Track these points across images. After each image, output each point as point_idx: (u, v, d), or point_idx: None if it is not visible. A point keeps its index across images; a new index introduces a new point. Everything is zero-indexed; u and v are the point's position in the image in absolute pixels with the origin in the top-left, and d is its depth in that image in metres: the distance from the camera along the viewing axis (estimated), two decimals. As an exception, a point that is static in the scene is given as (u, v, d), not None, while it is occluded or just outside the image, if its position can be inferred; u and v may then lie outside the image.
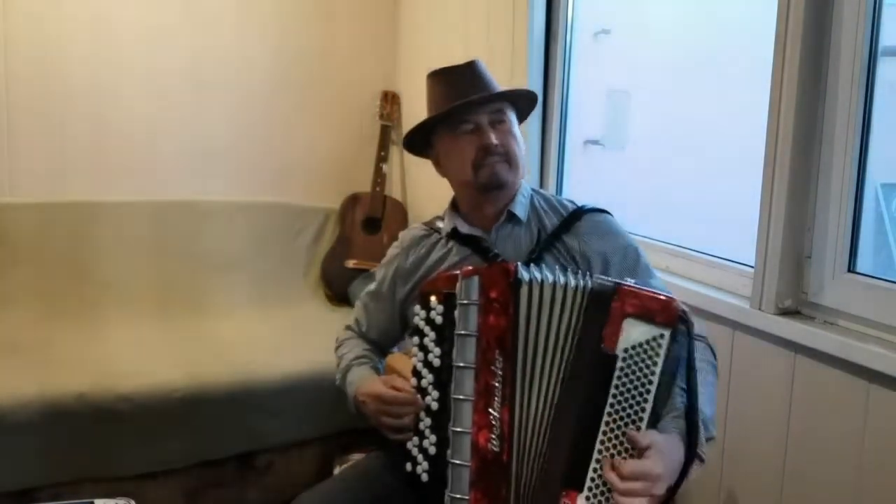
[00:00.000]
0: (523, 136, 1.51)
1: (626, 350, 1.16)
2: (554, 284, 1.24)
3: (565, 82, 2.37)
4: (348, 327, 1.69)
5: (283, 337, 2.49)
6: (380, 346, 1.65)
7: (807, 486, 1.51)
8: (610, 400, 1.15)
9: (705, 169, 2.07)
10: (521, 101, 1.54)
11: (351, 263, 2.88)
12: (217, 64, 2.87)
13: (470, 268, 1.30)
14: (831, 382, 1.44)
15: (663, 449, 1.14)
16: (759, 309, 1.58)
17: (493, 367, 1.23)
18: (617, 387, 1.15)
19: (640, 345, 1.16)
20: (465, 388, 1.24)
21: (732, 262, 1.77)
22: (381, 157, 3.00)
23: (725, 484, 1.67)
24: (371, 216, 2.97)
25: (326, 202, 3.02)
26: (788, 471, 1.54)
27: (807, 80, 1.48)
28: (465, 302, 1.26)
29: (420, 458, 1.29)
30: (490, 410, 1.22)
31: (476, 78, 1.48)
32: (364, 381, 1.46)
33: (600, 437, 1.15)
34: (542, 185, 2.42)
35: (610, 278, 1.24)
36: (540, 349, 1.23)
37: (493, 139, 1.43)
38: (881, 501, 1.37)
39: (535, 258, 1.42)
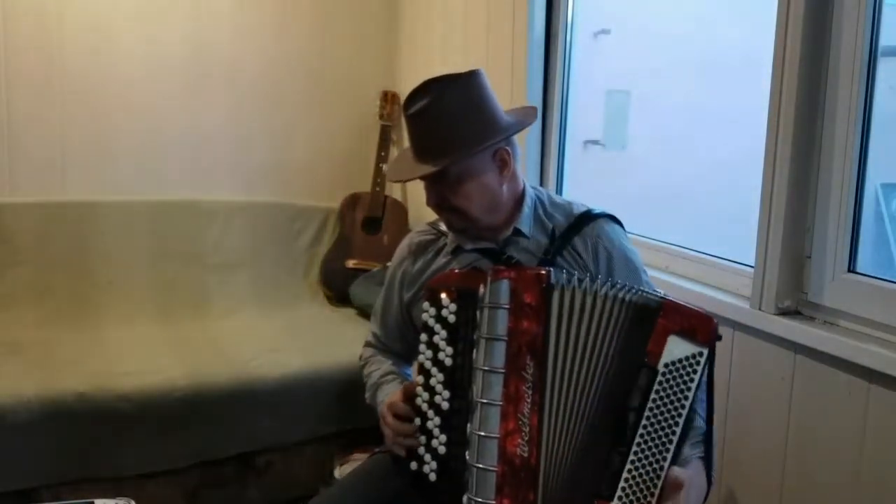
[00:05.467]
0: (521, 136, 1.49)
1: (665, 365, 1.17)
2: (585, 292, 1.24)
3: (565, 82, 2.37)
4: (368, 343, 1.69)
5: (283, 337, 2.49)
6: (404, 355, 1.64)
7: (807, 486, 1.51)
8: (646, 413, 1.16)
9: (705, 169, 2.07)
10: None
11: (351, 263, 2.88)
12: (217, 64, 2.87)
13: (495, 269, 1.28)
14: (831, 382, 1.44)
15: (692, 483, 1.18)
16: (759, 309, 1.57)
17: (523, 373, 1.22)
18: (654, 401, 1.17)
19: (680, 361, 1.17)
20: (493, 392, 1.22)
21: (732, 262, 1.77)
22: (381, 157, 3.00)
23: (725, 483, 1.67)
24: (371, 216, 2.97)
25: (326, 202, 3.02)
26: (788, 471, 1.54)
27: (807, 80, 1.48)
28: (492, 305, 1.25)
29: (428, 457, 1.29)
30: (519, 416, 1.21)
31: (424, 132, 1.40)
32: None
33: (634, 448, 1.16)
34: (541, 185, 2.42)
35: (655, 291, 1.24)
36: (570, 356, 1.23)
37: (430, 200, 1.44)
38: (881, 501, 1.37)
39: (548, 260, 1.42)
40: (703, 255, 1.86)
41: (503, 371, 1.22)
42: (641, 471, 1.17)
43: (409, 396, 1.34)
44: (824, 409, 1.46)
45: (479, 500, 1.20)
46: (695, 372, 1.17)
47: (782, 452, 1.54)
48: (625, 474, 1.16)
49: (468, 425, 1.24)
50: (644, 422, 1.16)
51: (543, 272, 1.25)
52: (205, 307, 2.68)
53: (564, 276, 1.26)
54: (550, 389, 1.22)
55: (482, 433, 1.22)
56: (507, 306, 1.24)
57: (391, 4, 3.12)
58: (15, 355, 2.21)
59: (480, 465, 1.21)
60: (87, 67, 2.68)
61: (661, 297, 1.22)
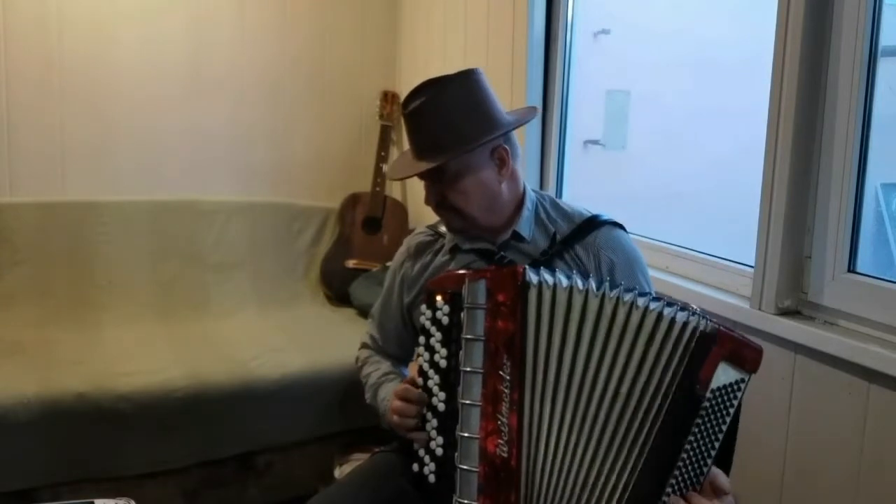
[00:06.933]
0: (521, 136, 1.49)
1: (712, 391, 1.16)
2: (572, 290, 1.20)
3: (565, 82, 2.37)
4: (365, 345, 1.69)
5: (283, 337, 2.49)
6: (400, 358, 1.64)
7: (807, 486, 1.51)
8: (690, 438, 1.15)
9: (705, 168, 2.08)
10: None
11: (351, 263, 2.88)
12: (217, 64, 2.87)
13: (476, 270, 1.28)
14: (831, 382, 1.44)
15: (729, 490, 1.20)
16: (759, 309, 1.57)
17: (500, 372, 1.21)
18: (698, 425, 1.16)
19: (725, 387, 1.16)
20: (473, 392, 1.22)
21: (732, 262, 1.77)
22: (381, 157, 3.00)
23: (725, 484, 1.67)
24: (371, 216, 2.97)
25: (326, 202, 3.03)
26: (788, 471, 1.54)
27: (807, 80, 1.48)
28: (471, 305, 1.24)
29: (427, 458, 1.29)
30: (498, 416, 1.20)
31: (422, 130, 1.40)
32: None
33: (675, 472, 1.16)
34: (542, 185, 2.42)
35: (709, 320, 1.19)
36: (556, 355, 1.20)
37: (429, 199, 1.44)
38: (881, 501, 1.37)
39: (544, 263, 1.41)
40: (703, 255, 1.86)
41: (482, 371, 1.22)
42: (678, 493, 1.17)
43: (405, 393, 1.34)
44: (824, 409, 1.46)
45: (464, 501, 1.20)
46: (735, 397, 1.17)
47: (782, 452, 1.54)
48: (664, 497, 1.16)
49: (457, 427, 1.24)
50: (687, 445, 1.15)
51: (520, 270, 1.24)
52: (205, 307, 2.68)
53: (545, 273, 1.24)
54: (531, 389, 1.20)
55: (465, 434, 1.22)
56: (484, 306, 1.23)
57: (391, 5, 3.12)
58: (15, 355, 2.21)
59: (464, 467, 1.21)
60: (87, 67, 2.68)
61: (716, 325, 1.18)
